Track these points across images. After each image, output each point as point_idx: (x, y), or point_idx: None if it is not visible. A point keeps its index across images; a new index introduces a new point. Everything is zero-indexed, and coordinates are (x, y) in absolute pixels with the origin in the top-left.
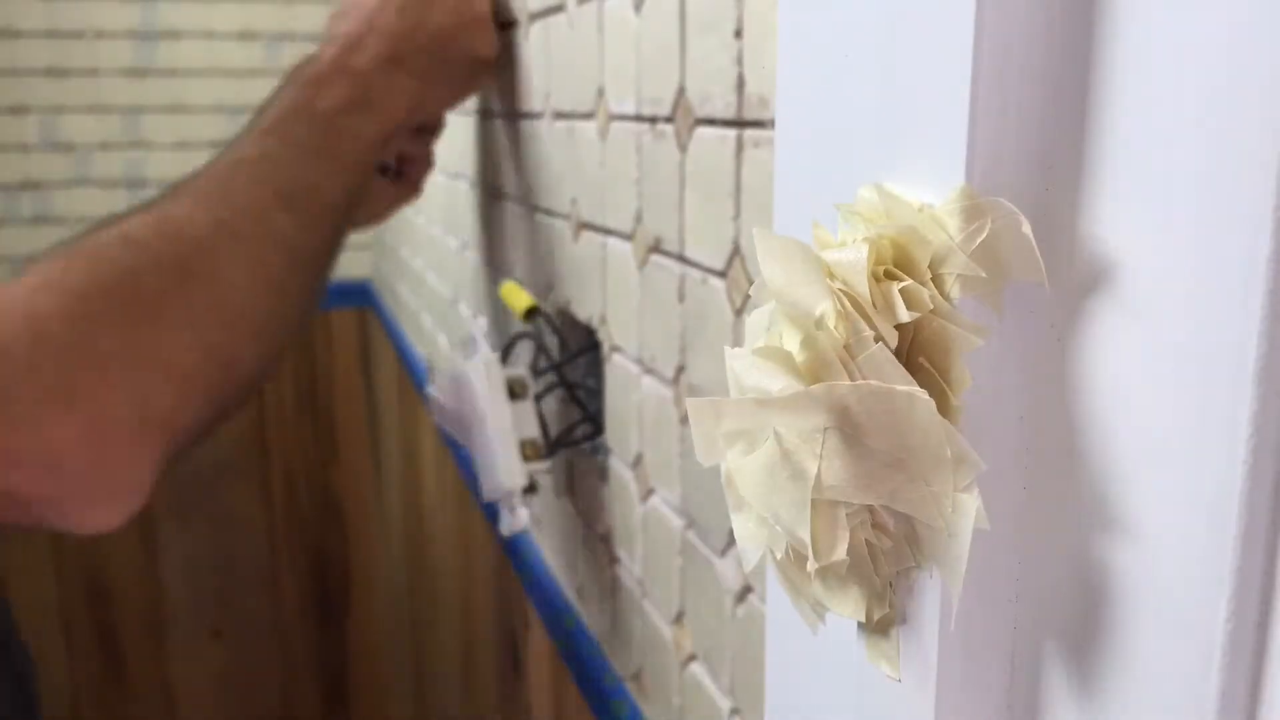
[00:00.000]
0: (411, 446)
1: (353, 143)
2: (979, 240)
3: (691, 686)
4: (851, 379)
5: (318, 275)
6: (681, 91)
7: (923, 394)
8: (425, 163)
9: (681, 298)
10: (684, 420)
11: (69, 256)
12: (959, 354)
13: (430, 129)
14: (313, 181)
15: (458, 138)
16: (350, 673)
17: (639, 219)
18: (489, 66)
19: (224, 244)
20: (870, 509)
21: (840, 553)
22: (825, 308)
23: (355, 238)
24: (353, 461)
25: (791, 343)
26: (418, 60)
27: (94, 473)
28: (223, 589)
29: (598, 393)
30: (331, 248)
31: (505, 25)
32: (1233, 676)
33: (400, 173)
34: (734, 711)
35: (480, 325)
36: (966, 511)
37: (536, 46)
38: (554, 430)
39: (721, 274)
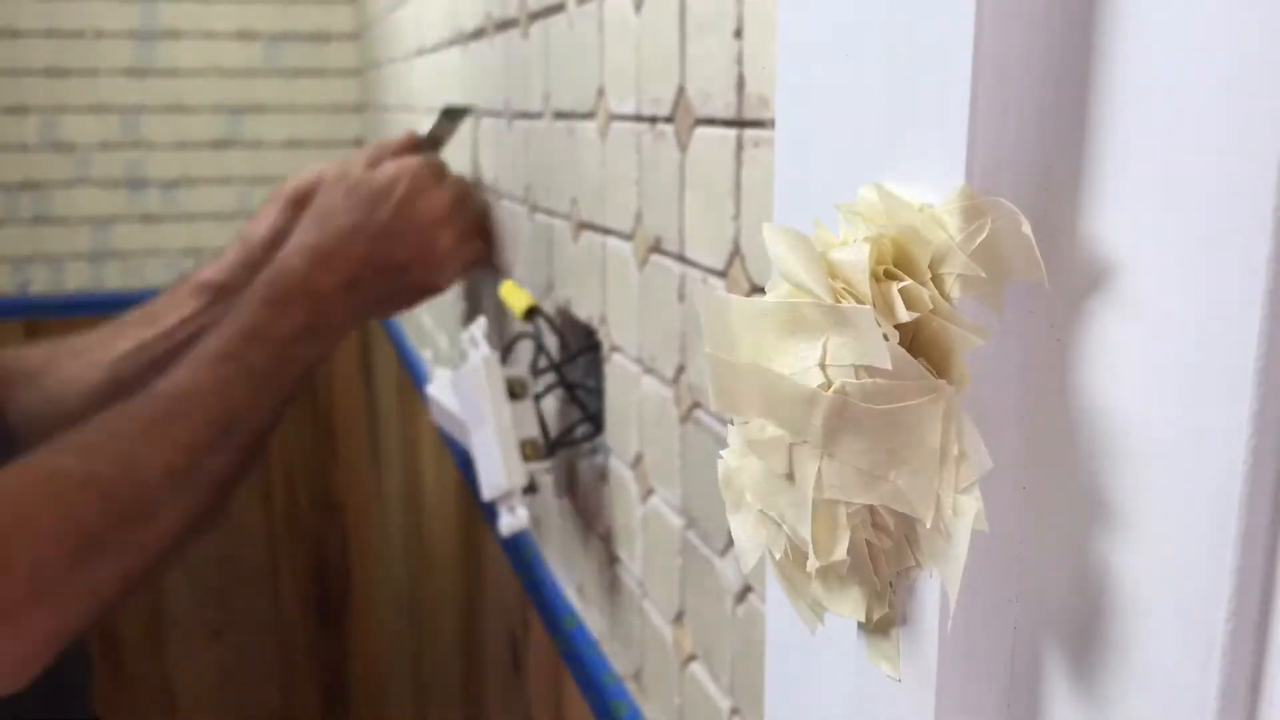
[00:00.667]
0: (411, 446)
1: (298, 369)
2: (979, 240)
3: (691, 686)
4: (856, 377)
5: (228, 496)
6: (681, 91)
7: (940, 384)
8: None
9: (681, 297)
10: (684, 419)
11: (44, 498)
12: (959, 353)
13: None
14: (254, 416)
15: (457, 137)
16: (350, 673)
17: (639, 219)
18: (441, 291)
19: (168, 492)
20: (870, 509)
21: (841, 552)
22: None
23: None
24: (353, 462)
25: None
26: (375, 287)
27: (11, 674)
28: (223, 589)
29: (598, 393)
30: (248, 470)
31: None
32: (1233, 676)
33: None
34: (734, 711)
35: (480, 325)
36: (966, 512)
37: (536, 46)
38: (554, 430)
39: (721, 274)
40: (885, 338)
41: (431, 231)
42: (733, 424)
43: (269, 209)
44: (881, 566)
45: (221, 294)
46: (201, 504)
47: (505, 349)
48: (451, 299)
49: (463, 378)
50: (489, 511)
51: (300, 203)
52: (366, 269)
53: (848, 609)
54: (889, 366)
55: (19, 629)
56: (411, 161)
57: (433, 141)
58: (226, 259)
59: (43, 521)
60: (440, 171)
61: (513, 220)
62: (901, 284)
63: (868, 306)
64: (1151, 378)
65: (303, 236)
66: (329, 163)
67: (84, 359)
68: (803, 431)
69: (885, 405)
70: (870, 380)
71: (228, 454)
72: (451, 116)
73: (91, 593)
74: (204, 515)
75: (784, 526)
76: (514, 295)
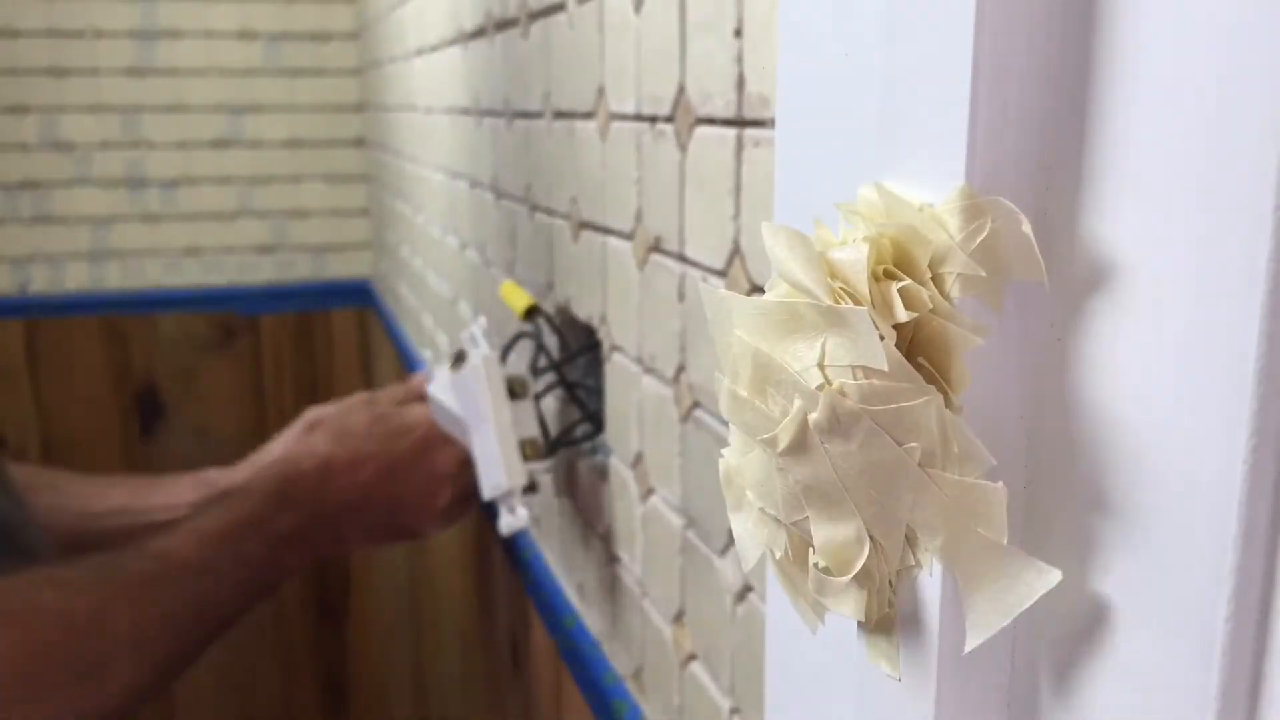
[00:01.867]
0: None
1: (280, 572)
2: (979, 239)
3: (691, 686)
4: (853, 378)
5: (170, 682)
6: (681, 91)
7: (930, 390)
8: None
9: (681, 297)
10: (684, 419)
11: (17, 617)
12: (959, 353)
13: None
14: (228, 605)
15: (458, 137)
16: (350, 673)
17: (639, 218)
18: (420, 539)
19: (125, 656)
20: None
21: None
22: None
23: (355, 237)
24: None
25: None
26: (368, 515)
27: None
28: None
29: (598, 392)
30: (194, 660)
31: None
32: (1233, 676)
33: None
34: (734, 711)
35: (480, 325)
36: (994, 502)
37: (536, 46)
38: (554, 430)
39: (721, 273)
40: (882, 338)
41: (437, 482)
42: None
43: (286, 434)
44: (882, 566)
45: (221, 498)
46: (148, 679)
47: (505, 349)
48: (451, 299)
49: (463, 377)
50: (489, 511)
51: (316, 430)
52: (368, 496)
53: (848, 609)
54: (885, 368)
55: None
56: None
57: None
58: (237, 471)
59: (7, 650)
60: None
61: (513, 220)
62: (901, 284)
63: (863, 308)
64: (1151, 377)
65: (318, 444)
66: (356, 395)
67: (59, 500)
68: (805, 432)
69: (881, 406)
70: (867, 381)
71: (186, 639)
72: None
73: None
74: (144, 693)
75: (785, 524)
76: (514, 295)
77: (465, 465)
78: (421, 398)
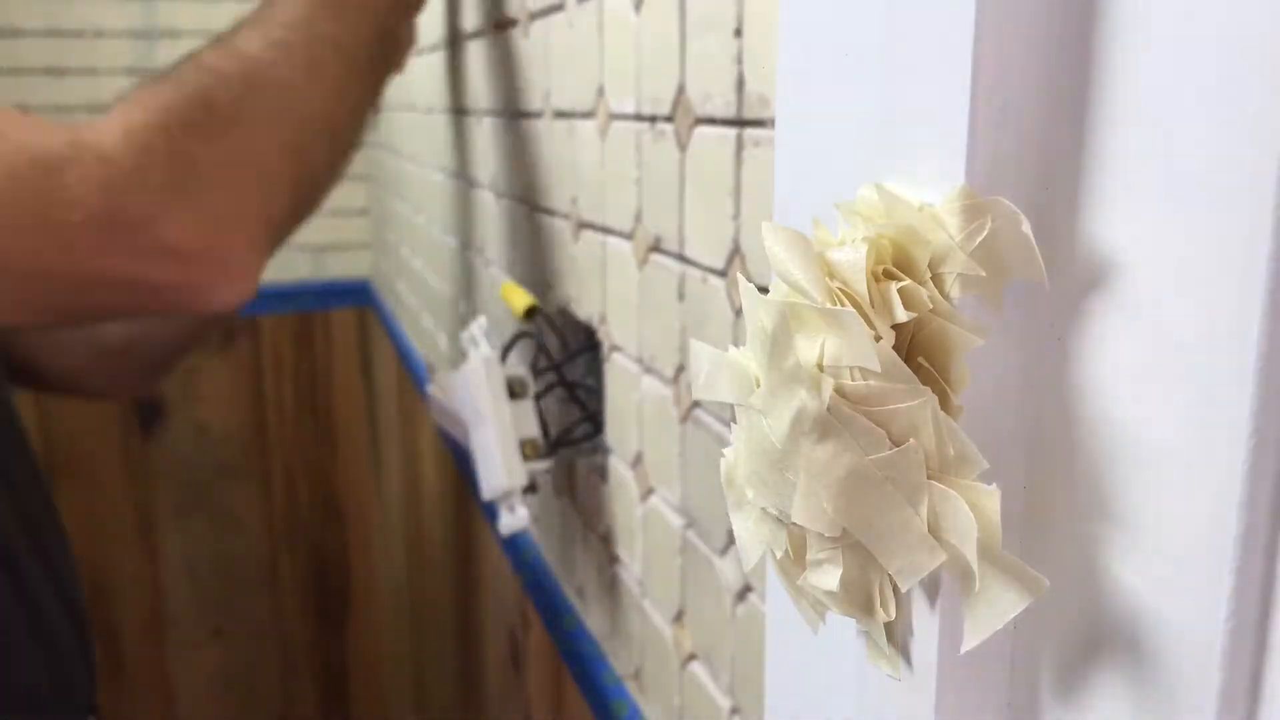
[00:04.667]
0: (411, 446)
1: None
2: (979, 239)
3: (691, 686)
4: (851, 378)
5: (370, 75)
6: (681, 91)
7: (926, 391)
8: (409, 41)
9: (681, 297)
10: (684, 419)
11: (151, 83)
12: (959, 353)
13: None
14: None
15: (457, 136)
16: (350, 673)
17: (639, 218)
18: None
19: (279, 55)
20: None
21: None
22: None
23: (355, 237)
24: (353, 461)
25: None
26: None
27: (208, 259)
28: (223, 589)
29: (598, 392)
30: (377, 50)
31: None
32: (1233, 676)
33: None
34: (734, 711)
35: (480, 325)
36: (993, 505)
37: (536, 46)
38: (554, 430)
39: (721, 273)
40: (879, 339)
41: None
42: (735, 422)
43: None
44: (881, 566)
45: None
46: (327, 65)
47: (505, 348)
48: (451, 298)
49: (463, 377)
50: (489, 511)
51: None
52: None
53: (847, 609)
54: (877, 368)
55: (181, 204)
56: None
57: None
58: None
59: (157, 101)
60: None
61: (513, 220)
62: (900, 284)
63: (853, 310)
64: (1151, 377)
65: None
66: None
67: None
68: (803, 431)
69: (877, 407)
70: (864, 382)
71: (338, 24)
72: None
73: (251, 165)
74: (342, 82)
75: (786, 524)
76: (514, 295)
77: None
78: None
